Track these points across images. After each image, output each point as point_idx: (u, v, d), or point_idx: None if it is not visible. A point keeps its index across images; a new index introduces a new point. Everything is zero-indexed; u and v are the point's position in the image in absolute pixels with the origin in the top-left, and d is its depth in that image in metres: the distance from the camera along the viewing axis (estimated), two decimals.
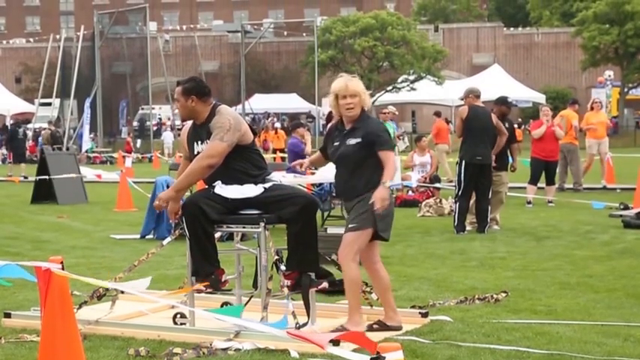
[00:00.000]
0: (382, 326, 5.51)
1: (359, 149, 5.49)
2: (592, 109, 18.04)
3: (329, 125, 6.06)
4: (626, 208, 12.61)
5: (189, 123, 5.85)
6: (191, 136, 5.74)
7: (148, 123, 48.49)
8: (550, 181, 14.62)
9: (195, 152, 5.64)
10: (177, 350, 4.99)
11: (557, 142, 14.55)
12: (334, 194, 12.24)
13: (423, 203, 13.64)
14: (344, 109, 5.54)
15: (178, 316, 5.73)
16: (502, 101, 11.71)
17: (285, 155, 19.13)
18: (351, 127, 5.56)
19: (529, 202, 14.36)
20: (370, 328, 5.47)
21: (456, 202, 11.01)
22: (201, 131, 5.64)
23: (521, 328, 5.53)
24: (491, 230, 11.15)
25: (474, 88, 11.43)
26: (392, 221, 5.61)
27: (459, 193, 10.88)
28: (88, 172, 19.83)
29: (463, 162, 10.84)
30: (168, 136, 44.26)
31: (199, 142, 5.64)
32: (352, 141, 5.52)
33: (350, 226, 5.50)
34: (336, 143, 5.61)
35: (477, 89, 11.37)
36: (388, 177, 5.41)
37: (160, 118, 53.18)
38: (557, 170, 15.36)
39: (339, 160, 5.59)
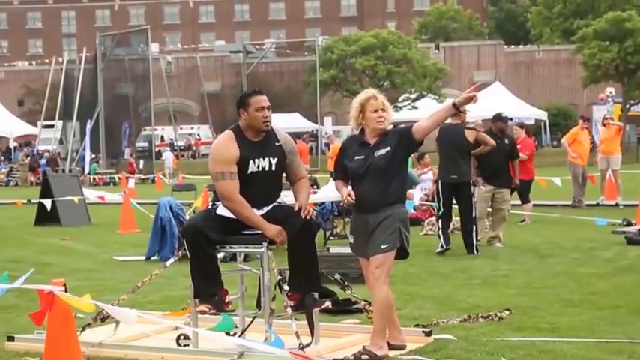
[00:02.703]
0: (372, 355, 5.39)
1: (391, 158, 5.46)
2: (604, 125, 17.99)
3: (342, 143, 6.03)
4: (629, 224, 12.59)
5: (228, 138, 5.52)
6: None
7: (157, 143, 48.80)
8: (524, 200, 14.62)
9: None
10: None
11: (525, 162, 14.46)
12: (336, 213, 12.26)
13: (426, 221, 13.63)
14: (375, 122, 5.49)
15: (182, 337, 5.73)
16: (498, 118, 11.72)
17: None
18: (377, 140, 5.53)
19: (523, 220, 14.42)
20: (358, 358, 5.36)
21: (438, 220, 11.06)
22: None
23: (524, 346, 5.52)
24: (494, 248, 11.14)
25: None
26: None
27: (440, 213, 10.95)
28: (91, 194, 19.84)
29: (439, 182, 10.92)
30: (168, 157, 44.23)
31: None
32: (382, 151, 5.48)
33: (383, 247, 5.40)
34: (361, 157, 5.51)
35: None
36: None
37: (171, 139, 53.20)
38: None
39: (370, 171, 5.47)
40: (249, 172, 5.46)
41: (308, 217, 5.43)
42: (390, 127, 5.73)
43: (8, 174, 40.67)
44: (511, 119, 13.91)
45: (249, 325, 5.71)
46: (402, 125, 5.84)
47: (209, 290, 5.49)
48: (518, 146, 14.48)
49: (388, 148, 5.49)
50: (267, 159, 5.51)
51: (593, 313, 6.67)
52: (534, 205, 15.54)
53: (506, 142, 11.54)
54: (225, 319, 5.08)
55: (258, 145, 5.52)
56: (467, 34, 75.49)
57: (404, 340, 5.60)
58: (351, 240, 5.67)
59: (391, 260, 5.48)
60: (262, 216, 5.52)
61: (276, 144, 5.57)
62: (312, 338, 5.51)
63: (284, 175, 5.78)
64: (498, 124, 11.61)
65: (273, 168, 5.54)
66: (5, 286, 4.20)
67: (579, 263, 9.59)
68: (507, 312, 6.59)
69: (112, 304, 5.35)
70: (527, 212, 14.47)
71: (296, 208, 5.45)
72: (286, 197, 5.86)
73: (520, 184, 14.34)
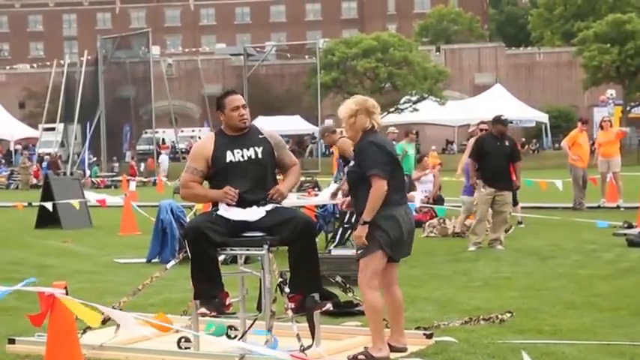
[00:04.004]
0: (368, 356, 5.39)
1: (353, 172, 5.54)
2: (602, 128, 17.98)
3: None
4: (630, 226, 12.58)
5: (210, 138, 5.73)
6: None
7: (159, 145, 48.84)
8: (514, 202, 14.57)
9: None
10: None
11: None
12: (338, 215, 12.26)
13: (427, 223, 13.62)
14: None
15: (183, 340, 5.72)
16: (497, 120, 11.66)
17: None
18: (355, 150, 5.62)
19: (520, 223, 14.35)
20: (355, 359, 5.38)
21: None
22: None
23: (526, 349, 5.50)
24: (496, 250, 11.13)
25: (327, 126, 11.73)
26: (403, 243, 5.51)
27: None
28: (92, 197, 19.85)
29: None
30: (164, 160, 44.34)
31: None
32: (352, 163, 5.63)
33: (358, 252, 5.46)
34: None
35: (329, 126, 11.64)
36: (367, 214, 5.28)
37: (173, 142, 53.22)
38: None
39: (349, 181, 5.74)
40: (227, 160, 5.57)
41: (274, 197, 5.54)
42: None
43: (9, 177, 40.68)
44: (511, 122, 13.81)
45: (249, 328, 5.70)
46: (366, 153, 5.55)
47: (209, 292, 5.48)
48: None
49: (354, 162, 5.57)
50: (251, 148, 5.60)
51: (594, 315, 6.67)
52: (537, 208, 15.55)
53: (507, 144, 11.49)
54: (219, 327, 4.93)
55: (238, 137, 5.64)
56: (467, 37, 75.51)
57: (405, 344, 5.60)
58: None
59: (373, 265, 5.39)
60: (261, 218, 5.52)
61: (260, 136, 5.69)
62: (313, 340, 5.50)
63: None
64: (498, 126, 11.58)
65: (260, 156, 5.60)
66: (5, 289, 4.20)
67: (581, 265, 9.59)
68: (509, 314, 6.58)
69: (112, 307, 5.36)
70: (519, 214, 14.41)
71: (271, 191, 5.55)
72: (287, 200, 5.85)
73: None
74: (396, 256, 5.52)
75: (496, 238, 11.38)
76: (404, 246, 5.54)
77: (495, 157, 11.32)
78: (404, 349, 5.55)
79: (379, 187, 5.28)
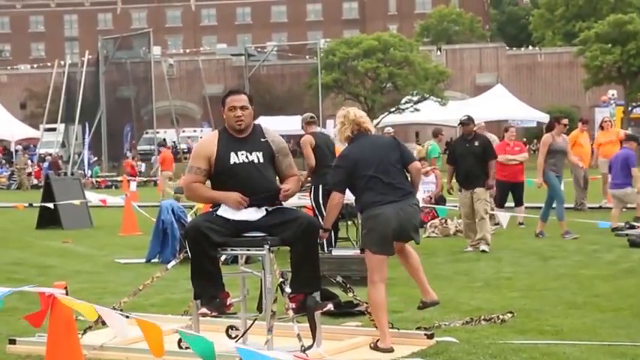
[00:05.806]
0: (375, 345, 5.69)
1: None
2: (602, 128, 17.95)
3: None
4: (632, 227, 12.56)
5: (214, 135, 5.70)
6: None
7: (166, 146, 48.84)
8: (518, 202, 14.53)
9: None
10: None
11: (518, 164, 14.39)
12: (340, 215, 12.24)
13: (429, 224, 13.61)
14: None
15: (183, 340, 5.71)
16: (467, 119, 11.55)
17: None
18: None
19: (520, 223, 14.30)
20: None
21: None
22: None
23: (527, 349, 5.50)
24: (480, 249, 11.05)
25: (305, 116, 11.22)
26: (389, 238, 5.73)
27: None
28: (93, 197, 19.85)
29: (320, 188, 10.44)
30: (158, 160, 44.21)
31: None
32: None
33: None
34: None
35: (307, 116, 11.15)
36: (326, 222, 6.02)
37: (174, 142, 53.15)
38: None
39: None
40: (231, 162, 5.53)
41: (282, 195, 5.55)
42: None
43: (9, 177, 40.67)
44: (503, 123, 13.79)
45: (249, 328, 5.69)
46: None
47: (210, 292, 5.46)
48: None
49: None
50: (254, 153, 5.57)
51: (596, 315, 6.66)
52: (538, 208, 15.48)
53: (476, 144, 11.45)
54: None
55: (241, 140, 5.61)
56: (468, 37, 75.51)
57: (434, 298, 6.14)
58: None
59: (368, 263, 5.82)
60: (262, 218, 5.51)
61: (262, 139, 5.65)
62: (314, 341, 5.49)
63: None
64: (468, 126, 11.55)
65: (262, 160, 5.57)
66: (6, 289, 4.19)
67: (582, 266, 9.58)
68: (510, 315, 6.57)
69: (113, 308, 5.35)
70: (521, 214, 14.38)
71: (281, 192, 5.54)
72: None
73: (515, 186, 14.28)
74: (387, 251, 5.78)
75: (481, 238, 11.24)
76: (393, 238, 5.77)
77: (466, 158, 11.34)
78: (434, 303, 6.05)
79: (333, 204, 5.95)
